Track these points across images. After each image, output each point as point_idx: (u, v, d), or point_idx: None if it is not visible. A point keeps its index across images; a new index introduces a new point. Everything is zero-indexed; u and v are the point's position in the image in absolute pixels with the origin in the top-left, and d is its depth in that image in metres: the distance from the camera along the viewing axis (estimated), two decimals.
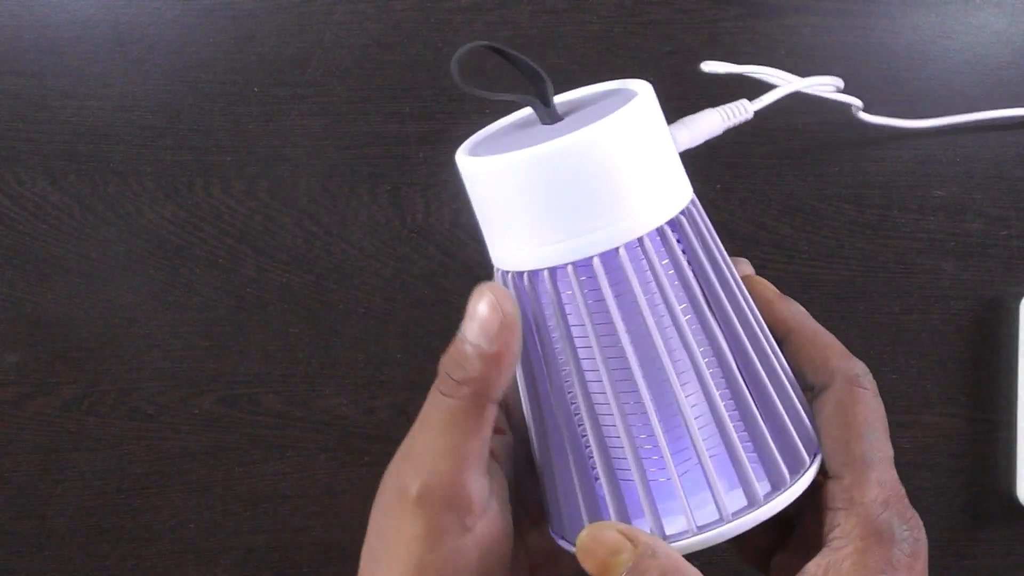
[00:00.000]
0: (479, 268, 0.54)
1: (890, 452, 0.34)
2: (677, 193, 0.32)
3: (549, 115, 0.33)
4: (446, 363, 0.32)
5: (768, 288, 0.36)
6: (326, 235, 0.55)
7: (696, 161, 0.54)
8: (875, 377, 0.56)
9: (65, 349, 0.55)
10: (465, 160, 0.32)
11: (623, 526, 0.31)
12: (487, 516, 0.32)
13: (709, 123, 0.36)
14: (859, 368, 0.34)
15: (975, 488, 0.56)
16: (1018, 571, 0.56)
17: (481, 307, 0.31)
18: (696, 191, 0.53)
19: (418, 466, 0.32)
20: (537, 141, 0.31)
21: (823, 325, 0.55)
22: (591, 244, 0.31)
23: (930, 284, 0.55)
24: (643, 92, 0.32)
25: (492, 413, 0.32)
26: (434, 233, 0.55)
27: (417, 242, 0.55)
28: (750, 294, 0.35)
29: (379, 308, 0.55)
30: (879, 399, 0.34)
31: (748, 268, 0.37)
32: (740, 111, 0.37)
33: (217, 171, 0.54)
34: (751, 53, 0.54)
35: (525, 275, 0.32)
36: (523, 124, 0.34)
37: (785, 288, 0.55)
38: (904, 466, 0.56)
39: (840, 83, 0.42)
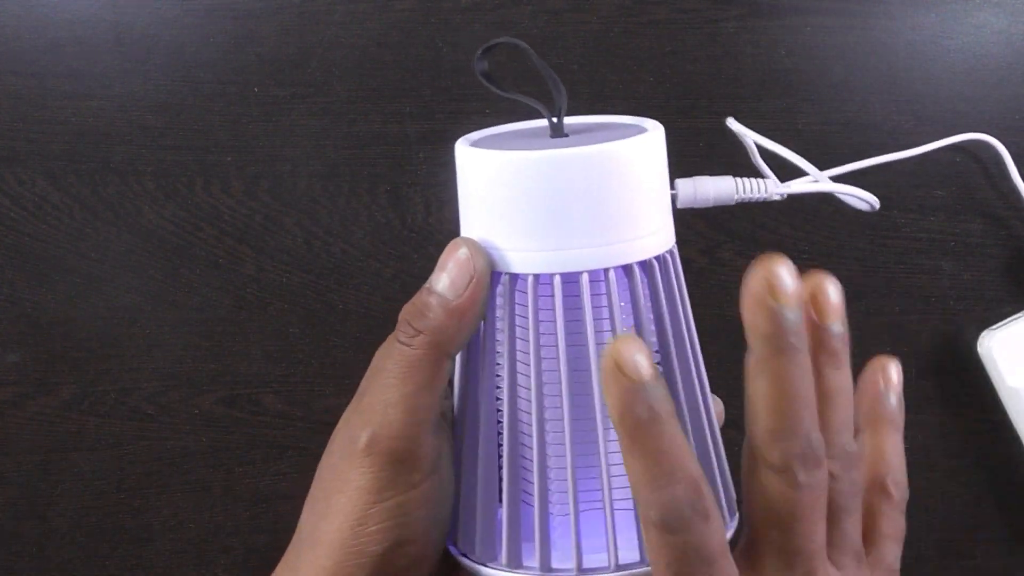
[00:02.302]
0: None
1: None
2: (655, 237, 0.32)
3: (557, 128, 0.33)
4: (408, 311, 0.32)
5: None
6: (326, 235, 0.55)
7: (696, 162, 0.55)
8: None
9: (65, 349, 0.55)
10: (467, 150, 0.32)
11: None
12: (434, 476, 0.32)
13: (719, 187, 0.35)
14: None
15: (975, 488, 0.56)
16: (1018, 571, 0.56)
17: (453, 259, 0.31)
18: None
19: (368, 416, 0.31)
20: (543, 148, 0.31)
21: None
22: (555, 262, 0.30)
23: (930, 284, 0.55)
24: (653, 130, 0.32)
25: (448, 368, 0.32)
26: (434, 233, 0.55)
27: (417, 242, 0.55)
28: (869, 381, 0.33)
29: (379, 308, 0.55)
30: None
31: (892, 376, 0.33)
32: (760, 188, 0.36)
33: (217, 171, 0.54)
34: (751, 53, 0.54)
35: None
36: (526, 134, 0.34)
37: None
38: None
39: (875, 202, 0.40)
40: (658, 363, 0.32)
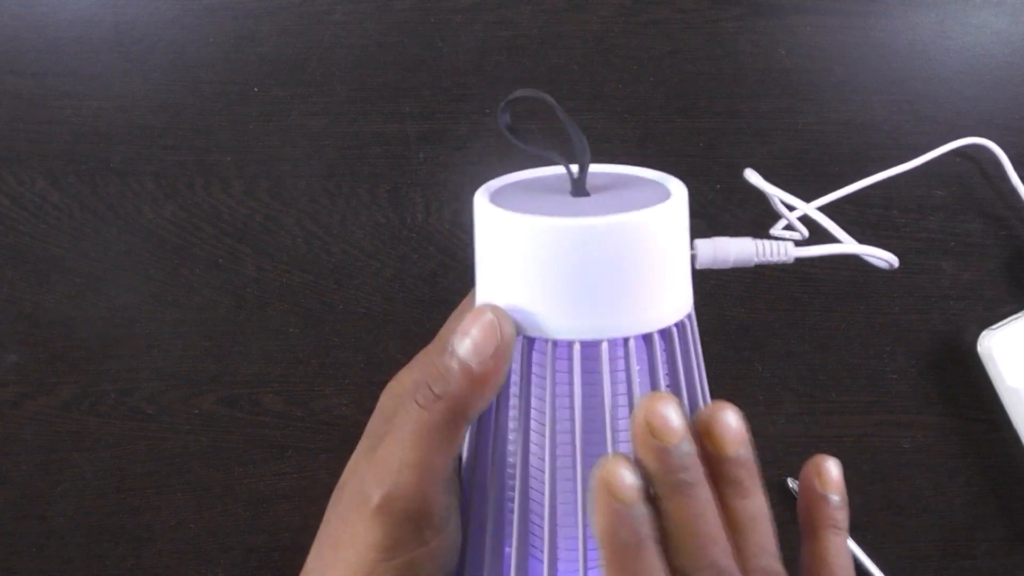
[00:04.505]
0: None
1: None
2: (676, 304, 0.31)
3: (579, 185, 0.32)
4: (428, 372, 0.31)
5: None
6: (326, 235, 0.55)
7: (696, 161, 0.55)
8: (875, 377, 0.56)
9: (65, 349, 0.55)
10: (492, 210, 0.31)
11: None
12: (444, 532, 0.32)
13: (740, 250, 0.34)
14: None
15: (975, 488, 0.56)
16: (1018, 571, 0.56)
17: (479, 324, 0.30)
18: (696, 191, 0.53)
19: (382, 474, 0.31)
20: (568, 212, 0.30)
21: (823, 325, 0.56)
22: (575, 329, 0.30)
23: (930, 284, 0.55)
24: (677, 194, 0.31)
25: (465, 431, 0.31)
26: (434, 233, 0.55)
27: (417, 242, 0.55)
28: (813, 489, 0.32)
29: (379, 308, 0.55)
30: None
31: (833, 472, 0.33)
32: (780, 252, 0.35)
33: (217, 171, 0.54)
34: (751, 53, 0.54)
35: None
36: (545, 187, 0.34)
37: (785, 288, 0.56)
38: (904, 466, 0.56)
39: (895, 261, 0.40)
40: None
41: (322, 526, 0.33)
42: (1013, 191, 0.54)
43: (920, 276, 0.55)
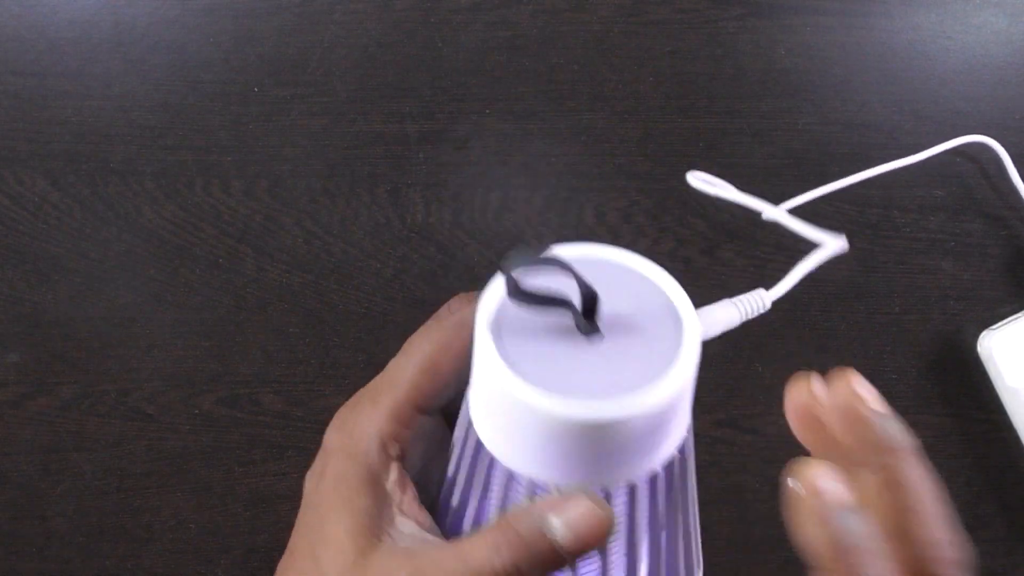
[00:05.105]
0: (479, 268, 0.54)
1: None
2: (670, 446, 0.29)
3: (590, 329, 0.29)
4: (518, 552, 0.27)
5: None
6: (326, 235, 0.55)
7: (696, 161, 0.55)
8: (875, 377, 0.56)
9: (65, 349, 0.55)
10: (497, 362, 0.28)
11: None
12: None
13: (726, 318, 0.35)
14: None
15: (975, 488, 0.56)
16: (1018, 571, 0.56)
17: (581, 513, 0.27)
18: (696, 191, 0.53)
19: None
20: (577, 378, 0.27)
21: (823, 325, 0.56)
22: (558, 479, 0.28)
23: (930, 284, 0.55)
24: (690, 329, 0.29)
25: None
26: (434, 233, 0.55)
27: (417, 242, 0.55)
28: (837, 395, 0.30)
29: (379, 308, 0.55)
30: None
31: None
32: (758, 303, 0.36)
33: (217, 171, 0.54)
34: (751, 53, 0.54)
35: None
36: (554, 325, 0.30)
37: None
38: None
39: (845, 246, 0.40)
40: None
41: None
42: (1013, 191, 0.54)
43: (920, 276, 0.55)
